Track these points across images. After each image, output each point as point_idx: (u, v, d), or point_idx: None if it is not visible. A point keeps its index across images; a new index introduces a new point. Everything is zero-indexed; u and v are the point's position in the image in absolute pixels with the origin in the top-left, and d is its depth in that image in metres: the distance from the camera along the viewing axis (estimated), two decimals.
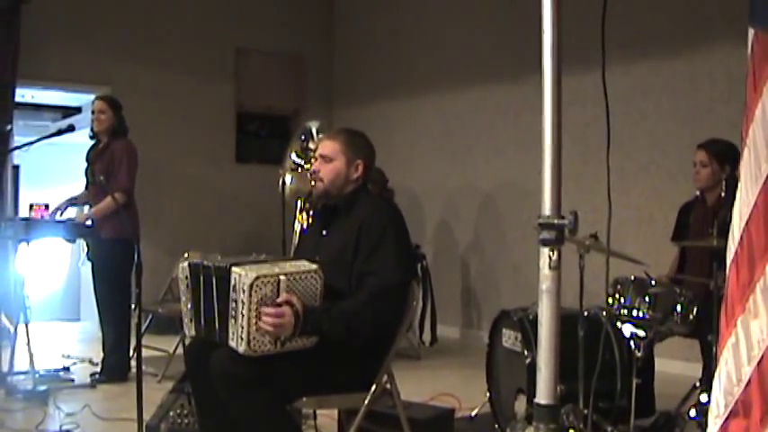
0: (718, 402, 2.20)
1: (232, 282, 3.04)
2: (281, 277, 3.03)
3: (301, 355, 3.11)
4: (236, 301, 3.02)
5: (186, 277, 3.33)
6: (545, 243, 2.40)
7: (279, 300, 3.01)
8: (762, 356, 2.13)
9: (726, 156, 4.46)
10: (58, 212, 5.89)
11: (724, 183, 4.45)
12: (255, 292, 2.98)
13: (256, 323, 2.98)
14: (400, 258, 3.26)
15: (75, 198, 6.07)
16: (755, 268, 2.16)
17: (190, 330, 3.36)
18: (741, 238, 2.21)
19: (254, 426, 3.09)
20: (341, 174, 3.42)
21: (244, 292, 2.98)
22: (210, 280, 3.17)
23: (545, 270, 2.39)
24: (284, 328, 3.00)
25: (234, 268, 3.05)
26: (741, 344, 2.17)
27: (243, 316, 2.98)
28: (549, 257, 2.38)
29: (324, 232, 3.51)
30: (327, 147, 3.47)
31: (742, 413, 2.15)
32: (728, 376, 2.18)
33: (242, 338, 2.98)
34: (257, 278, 2.98)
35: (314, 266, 3.13)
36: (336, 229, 3.44)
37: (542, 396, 2.42)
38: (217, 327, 3.14)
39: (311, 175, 3.49)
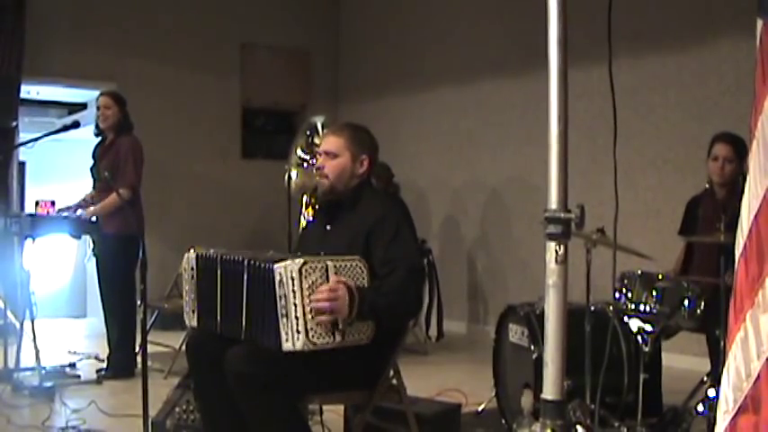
0: (727, 398, 2.18)
1: (277, 278, 2.92)
2: (329, 263, 2.95)
3: (311, 352, 3.09)
4: (285, 296, 2.90)
5: (192, 268, 3.30)
6: (551, 237, 2.38)
7: (330, 283, 2.92)
8: None
9: (745, 151, 4.43)
10: (67, 212, 5.86)
11: (741, 178, 4.41)
12: (305, 278, 2.88)
13: (311, 311, 2.87)
14: (417, 246, 3.26)
15: (84, 199, 6.03)
16: (764, 262, 2.14)
17: (191, 321, 3.33)
18: (750, 231, 2.18)
19: (269, 424, 3.06)
20: (346, 170, 3.39)
21: (293, 280, 2.87)
22: (235, 275, 3.09)
23: (551, 264, 2.38)
24: (340, 306, 2.89)
25: (275, 265, 2.94)
26: (750, 339, 2.14)
27: (295, 306, 2.87)
28: (556, 252, 2.38)
29: (327, 227, 3.48)
30: (331, 143, 3.43)
31: (751, 409, 2.12)
32: (737, 371, 2.16)
33: (298, 332, 2.86)
34: (305, 263, 2.89)
35: (356, 257, 3.06)
36: (341, 224, 3.42)
37: (549, 391, 2.41)
38: (243, 323, 3.06)
39: (316, 171, 3.46)
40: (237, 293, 3.11)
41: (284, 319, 2.90)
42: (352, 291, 2.93)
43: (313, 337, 2.88)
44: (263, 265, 3.01)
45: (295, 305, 2.87)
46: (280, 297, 2.92)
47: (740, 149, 4.46)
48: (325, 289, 2.89)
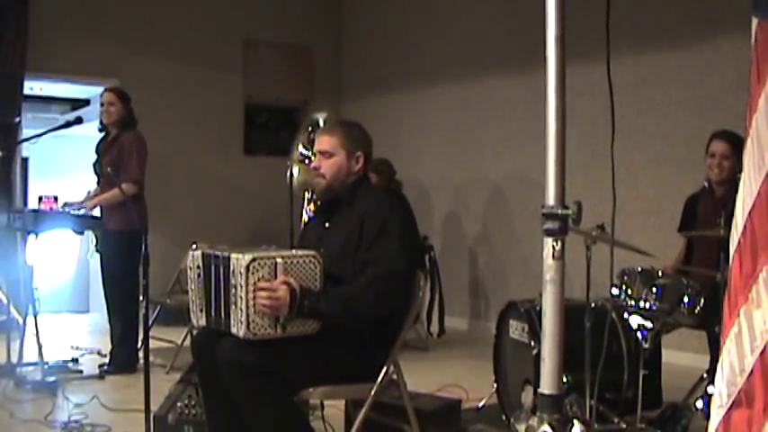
0: (721, 392, 2.20)
1: (231, 267, 3.07)
2: (278, 260, 3.06)
3: (308, 343, 3.12)
4: (235, 287, 3.05)
5: (198, 266, 3.31)
6: (549, 233, 2.39)
7: (276, 280, 3.04)
8: (764, 346, 2.12)
9: (742, 148, 4.42)
10: (71, 207, 5.87)
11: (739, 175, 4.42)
12: (252, 273, 3.01)
13: (254, 305, 3.01)
14: (403, 246, 3.25)
15: (90, 196, 6.04)
16: (758, 258, 2.15)
17: (199, 320, 3.35)
18: (744, 227, 2.20)
19: (261, 413, 3.09)
20: (342, 168, 3.41)
21: (241, 274, 3.02)
22: (219, 270, 3.18)
23: (549, 260, 2.39)
24: (280, 305, 3.01)
25: (232, 254, 3.09)
26: (744, 334, 2.16)
27: (241, 299, 3.02)
28: (553, 248, 2.38)
29: (326, 225, 3.50)
30: (326, 142, 3.45)
31: (745, 403, 2.14)
32: (731, 366, 2.18)
33: (241, 322, 3.02)
34: (253, 260, 3.02)
35: (312, 252, 3.16)
36: (339, 222, 3.44)
37: (546, 386, 2.42)
38: (222, 316, 3.16)
39: (313, 171, 3.48)
40: (218, 287, 3.20)
41: (233, 307, 3.07)
42: (294, 292, 3.02)
43: (254, 329, 3.03)
44: (225, 255, 3.14)
45: (241, 297, 3.03)
46: (232, 286, 3.08)
47: (738, 147, 4.46)
48: (266, 287, 3.01)
